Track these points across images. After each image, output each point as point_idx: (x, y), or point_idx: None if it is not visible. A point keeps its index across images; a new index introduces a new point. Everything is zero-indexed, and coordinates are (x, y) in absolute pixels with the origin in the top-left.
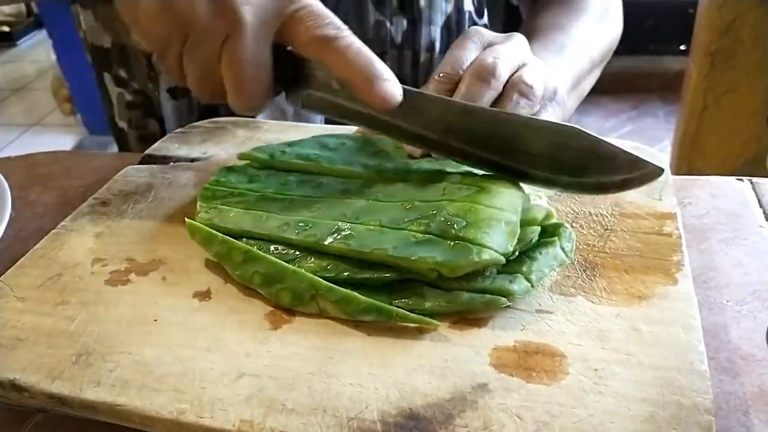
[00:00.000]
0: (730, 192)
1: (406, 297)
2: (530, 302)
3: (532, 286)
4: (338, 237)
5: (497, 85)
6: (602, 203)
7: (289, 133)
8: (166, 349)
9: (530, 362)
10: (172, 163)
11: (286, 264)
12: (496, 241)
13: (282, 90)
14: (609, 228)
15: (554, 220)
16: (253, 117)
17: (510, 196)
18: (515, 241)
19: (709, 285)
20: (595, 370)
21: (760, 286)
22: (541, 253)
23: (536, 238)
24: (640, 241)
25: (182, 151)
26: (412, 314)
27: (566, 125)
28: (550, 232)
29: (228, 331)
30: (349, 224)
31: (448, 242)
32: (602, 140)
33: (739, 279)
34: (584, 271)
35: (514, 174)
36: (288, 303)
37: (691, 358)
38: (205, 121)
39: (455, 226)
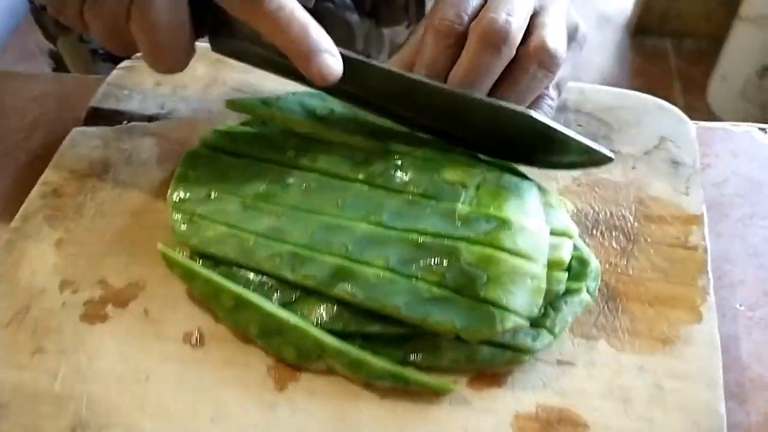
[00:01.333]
0: (751, 150)
1: (422, 351)
2: (551, 350)
3: (555, 337)
4: (342, 283)
5: (509, 53)
6: (624, 200)
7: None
8: (166, 420)
9: None
10: (125, 122)
11: (286, 317)
12: (521, 303)
13: (205, 35)
14: (632, 239)
15: (579, 247)
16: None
17: (535, 236)
18: (541, 299)
19: (723, 283)
20: None
21: None
22: (566, 303)
23: (563, 289)
24: (664, 257)
25: (134, 102)
26: (429, 379)
27: (522, 112)
28: (575, 274)
29: (229, 390)
30: (352, 264)
31: (467, 300)
32: (556, 127)
33: (753, 273)
34: (606, 302)
35: (461, 143)
36: (292, 359)
37: (711, 426)
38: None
39: (475, 282)
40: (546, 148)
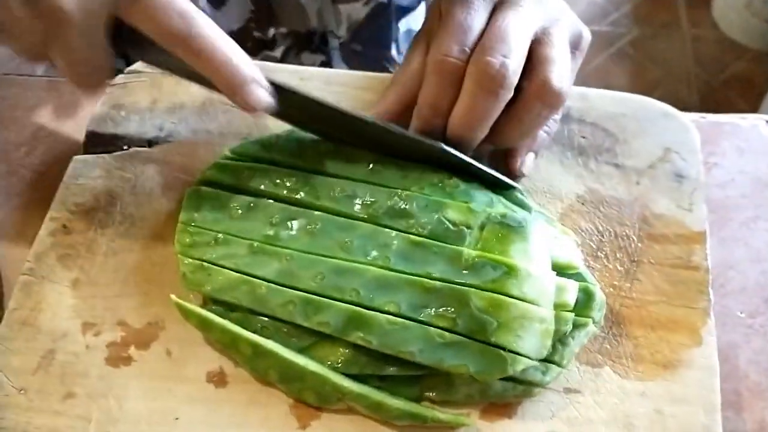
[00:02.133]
0: (757, 145)
1: (437, 388)
2: (558, 379)
3: (564, 368)
4: (356, 330)
5: (507, 96)
6: (628, 219)
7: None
8: None
9: None
10: (125, 147)
11: (304, 363)
12: (531, 346)
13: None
14: (635, 260)
15: (584, 277)
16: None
17: (541, 281)
18: (550, 341)
19: (725, 290)
20: None
21: None
22: (573, 337)
23: (570, 327)
24: (667, 278)
25: (132, 124)
26: (445, 416)
27: (438, 147)
28: (581, 306)
29: (254, 429)
30: (364, 311)
31: (479, 345)
32: (470, 161)
33: (755, 279)
34: (611, 328)
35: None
36: (313, 402)
37: None
38: (140, 63)
39: (486, 327)
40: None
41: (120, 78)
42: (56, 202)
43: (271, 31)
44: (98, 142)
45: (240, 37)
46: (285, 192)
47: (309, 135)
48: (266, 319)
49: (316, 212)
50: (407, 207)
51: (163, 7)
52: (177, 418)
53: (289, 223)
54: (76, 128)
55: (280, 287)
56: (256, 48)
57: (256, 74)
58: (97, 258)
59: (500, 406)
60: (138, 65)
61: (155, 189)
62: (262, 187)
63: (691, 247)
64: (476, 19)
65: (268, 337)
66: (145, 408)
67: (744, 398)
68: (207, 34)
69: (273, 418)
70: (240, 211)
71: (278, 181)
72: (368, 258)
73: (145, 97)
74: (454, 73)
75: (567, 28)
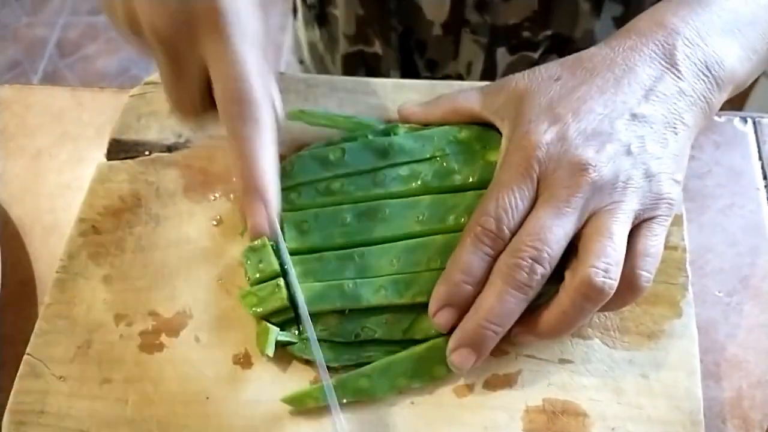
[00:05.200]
0: (733, 139)
1: None
2: (553, 350)
3: None
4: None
5: (530, 294)
6: None
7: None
8: None
9: (558, 425)
10: (147, 153)
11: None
12: None
13: None
14: None
15: None
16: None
17: None
18: None
19: (704, 271)
20: (613, 429)
21: (749, 270)
22: None
23: None
24: None
25: (152, 132)
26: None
27: None
28: None
29: (280, 406)
30: None
31: None
32: None
33: (732, 261)
34: None
35: None
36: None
37: (690, 408)
38: (156, 75)
39: None
40: None
41: (138, 89)
42: (84, 204)
43: None
44: (121, 149)
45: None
46: (342, 197)
47: (321, 151)
48: (364, 318)
49: (381, 201)
50: (448, 165)
51: (233, 83)
52: (208, 398)
53: (360, 218)
54: (96, 135)
55: (364, 280)
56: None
57: (270, 200)
58: (126, 255)
59: (502, 378)
60: (154, 77)
61: (177, 191)
62: (318, 200)
63: (669, 228)
64: (520, 202)
65: (371, 336)
66: (178, 389)
67: (722, 369)
68: (249, 133)
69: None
70: (308, 225)
71: (332, 188)
72: (447, 224)
73: (164, 106)
74: (490, 246)
75: (625, 210)
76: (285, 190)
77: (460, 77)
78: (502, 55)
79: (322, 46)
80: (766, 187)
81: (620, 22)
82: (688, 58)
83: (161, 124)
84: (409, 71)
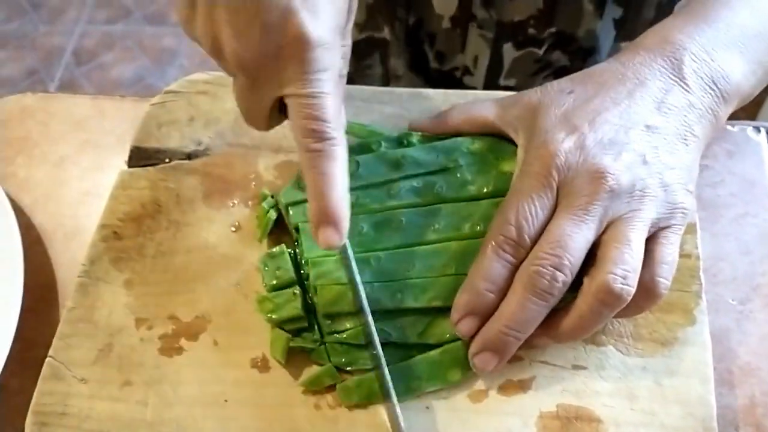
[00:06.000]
0: (746, 149)
1: None
2: (567, 356)
3: None
4: None
5: (552, 301)
6: None
7: None
8: None
9: (572, 430)
10: (167, 160)
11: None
12: None
13: None
14: None
15: None
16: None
17: None
18: None
19: (717, 279)
20: None
21: (762, 279)
22: None
23: None
24: None
25: (172, 139)
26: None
27: None
28: None
29: (297, 408)
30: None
31: None
32: None
33: (745, 269)
34: None
35: None
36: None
37: (703, 415)
38: (178, 83)
39: None
40: None
41: (159, 98)
42: (106, 211)
43: None
44: (141, 156)
45: None
46: (358, 209)
47: None
48: (380, 322)
49: (397, 210)
50: (462, 176)
51: (311, 111)
52: (226, 400)
53: (377, 227)
54: (118, 142)
55: (385, 283)
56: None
57: (341, 217)
58: (147, 260)
59: (516, 383)
60: (174, 86)
61: (197, 197)
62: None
63: (683, 237)
64: (540, 210)
65: (386, 340)
66: (198, 392)
67: (735, 376)
68: (323, 157)
69: (312, 397)
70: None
71: (352, 200)
72: (462, 232)
73: (183, 115)
74: (511, 255)
75: (642, 218)
76: (302, 202)
77: (467, 70)
78: (508, 50)
79: None
80: None
81: (619, 23)
82: (695, 73)
83: (181, 132)
84: (419, 62)
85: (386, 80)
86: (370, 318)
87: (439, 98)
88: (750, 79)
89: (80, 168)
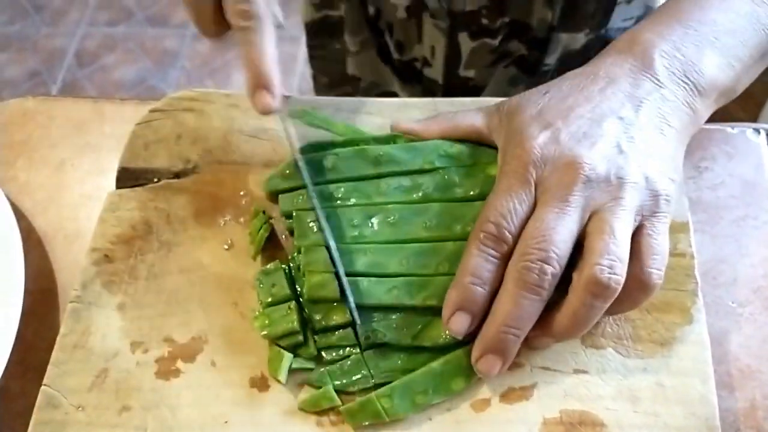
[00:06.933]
0: (745, 151)
1: None
2: (568, 361)
3: None
4: None
5: (613, 297)
6: None
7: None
8: None
9: None
10: (155, 180)
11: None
12: None
13: None
14: None
15: None
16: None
17: None
18: None
19: (717, 282)
20: None
21: (763, 281)
22: None
23: None
24: None
25: (160, 159)
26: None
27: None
28: None
29: (298, 426)
30: None
31: None
32: None
33: (745, 272)
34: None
35: None
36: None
37: (706, 414)
38: (164, 101)
39: None
40: None
41: (144, 117)
42: (95, 235)
43: None
44: (129, 177)
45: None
46: (352, 201)
47: (315, 157)
48: (374, 323)
49: (390, 206)
50: (449, 178)
51: (244, 7)
52: (226, 422)
53: (369, 222)
54: (118, 146)
55: (382, 278)
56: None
57: (273, 85)
58: (140, 282)
59: (518, 390)
60: (159, 104)
61: (188, 216)
62: (325, 203)
63: (676, 236)
64: (519, 206)
65: (380, 340)
66: (197, 414)
67: (736, 379)
68: (257, 43)
69: (314, 415)
70: (318, 225)
71: (335, 194)
72: (453, 232)
73: (170, 133)
74: (495, 250)
75: (625, 206)
76: (289, 190)
77: (426, 61)
78: (464, 41)
79: None
80: None
81: (567, 11)
82: (666, 69)
83: (169, 151)
84: (384, 52)
85: (343, 55)
86: (352, 303)
87: (428, 108)
88: (727, 72)
89: (81, 171)
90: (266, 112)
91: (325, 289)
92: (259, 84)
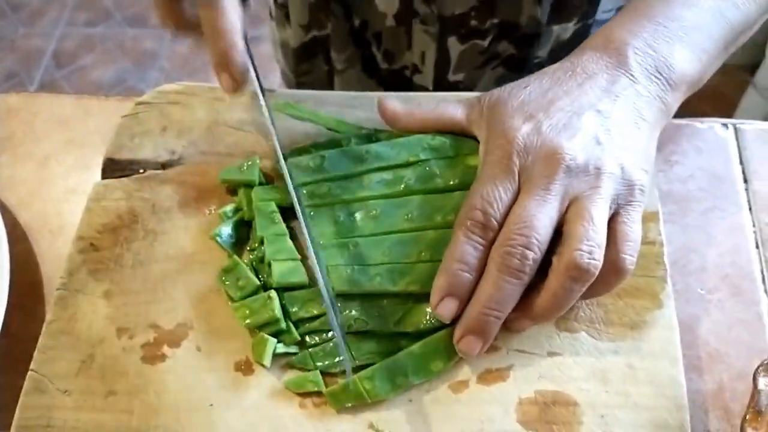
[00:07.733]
0: (714, 145)
1: None
2: (542, 344)
3: None
4: None
5: (591, 281)
6: None
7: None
8: None
9: (550, 415)
10: (141, 171)
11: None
12: None
13: None
14: None
15: None
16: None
17: None
18: None
19: (688, 270)
20: (602, 416)
21: (730, 269)
22: None
23: None
24: None
25: (145, 150)
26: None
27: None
28: None
29: (282, 409)
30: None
31: None
32: None
33: (713, 261)
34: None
35: None
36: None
37: (674, 394)
38: (150, 94)
39: None
40: None
41: (130, 109)
42: (82, 223)
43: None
44: (115, 168)
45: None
46: (331, 199)
47: (300, 160)
48: (355, 312)
49: (372, 201)
50: (430, 169)
51: None
52: (211, 405)
53: (352, 216)
54: (102, 141)
55: (366, 267)
56: None
57: (236, 60)
58: (126, 270)
59: (495, 372)
60: (146, 97)
61: (173, 207)
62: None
63: (647, 225)
64: (504, 194)
65: (363, 328)
66: (183, 398)
67: (704, 362)
68: (219, 21)
69: (295, 398)
70: (275, 217)
71: (319, 192)
72: (435, 222)
73: (156, 125)
74: (481, 236)
75: (603, 194)
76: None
77: (415, 68)
78: (453, 44)
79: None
80: (746, 190)
81: (556, 6)
82: (639, 65)
83: (154, 143)
84: (369, 64)
85: (330, 76)
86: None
87: (410, 101)
88: (695, 65)
89: (65, 166)
90: (230, 92)
91: (293, 276)
92: (223, 62)
